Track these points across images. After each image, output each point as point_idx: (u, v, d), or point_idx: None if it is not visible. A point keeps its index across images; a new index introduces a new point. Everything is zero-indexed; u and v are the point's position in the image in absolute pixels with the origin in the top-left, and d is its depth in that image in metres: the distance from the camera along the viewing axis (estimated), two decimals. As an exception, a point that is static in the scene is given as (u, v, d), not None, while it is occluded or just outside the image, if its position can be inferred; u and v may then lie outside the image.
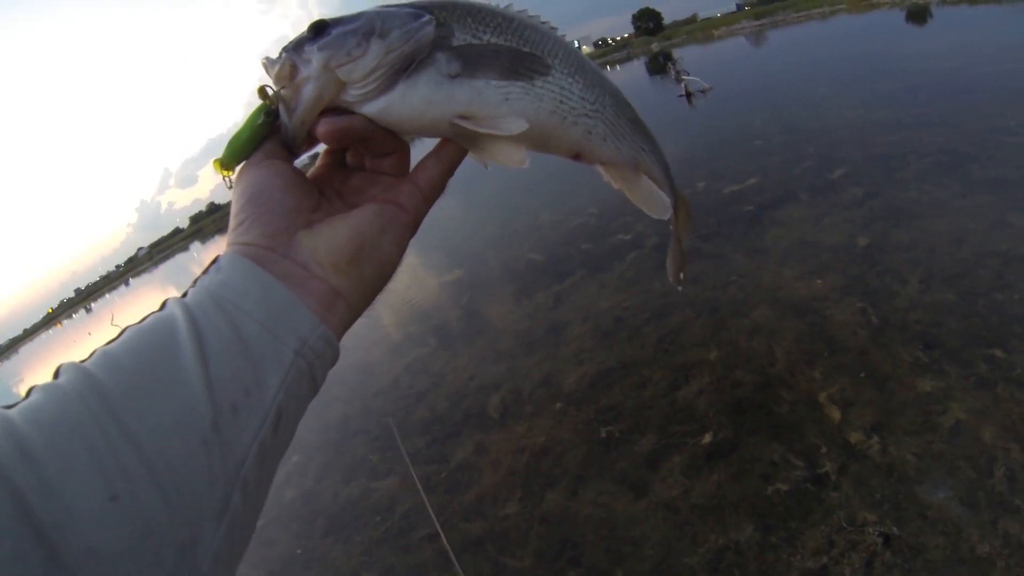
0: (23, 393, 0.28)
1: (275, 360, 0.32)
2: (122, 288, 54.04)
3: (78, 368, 0.29)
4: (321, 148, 0.44)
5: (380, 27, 0.40)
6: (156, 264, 58.62)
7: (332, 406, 4.23)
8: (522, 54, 0.43)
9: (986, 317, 2.92)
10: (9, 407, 0.27)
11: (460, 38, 0.42)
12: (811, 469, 2.36)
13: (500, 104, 0.42)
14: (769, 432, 2.60)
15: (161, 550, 0.25)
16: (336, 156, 0.45)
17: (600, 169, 0.55)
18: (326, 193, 0.42)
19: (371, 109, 0.40)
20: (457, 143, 0.44)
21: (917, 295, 3.24)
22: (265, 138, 0.41)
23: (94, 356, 0.30)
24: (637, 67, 33.94)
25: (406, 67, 0.40)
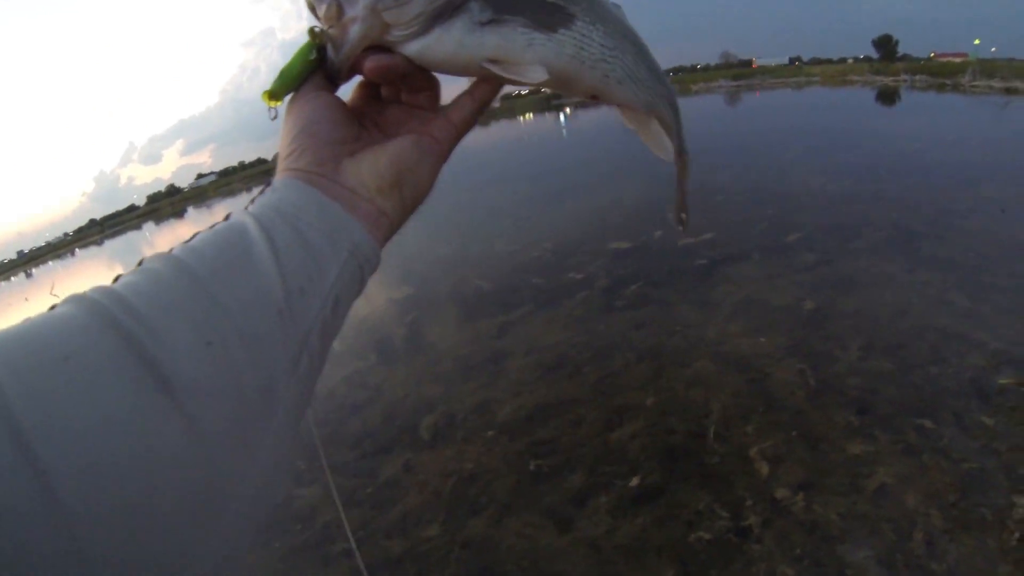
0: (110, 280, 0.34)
1: (333, 257, 0.40)
2: (68, 257, 51.45)
3: (165, 255, 0.35)
4: (358, 79, 0.51)
5: None
6: (107, 238, 56.33)
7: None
8: (546, 4, 0.49)
9: (920, 388, 3.19)
10: (107, 285, 0.33)
11: None
12: (736, 520, 2.51)
13: (525, 50, 0.48)
14: (697, 481, 2.75)
15: (246, 390, 0.32)
16: (372, 88, 0.52)
17: (616, 110, 0.62)
18: (364, 124, 0.49)
19: (411, 49, 0.46)
20: (489, 83, 0.51)
21: (856, 361, 3.49)
22: (312, 72, 0.47)
23: (175, 249, 0.36)
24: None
25: (444, 13, 0.46)
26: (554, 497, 2.85)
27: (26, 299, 20.29)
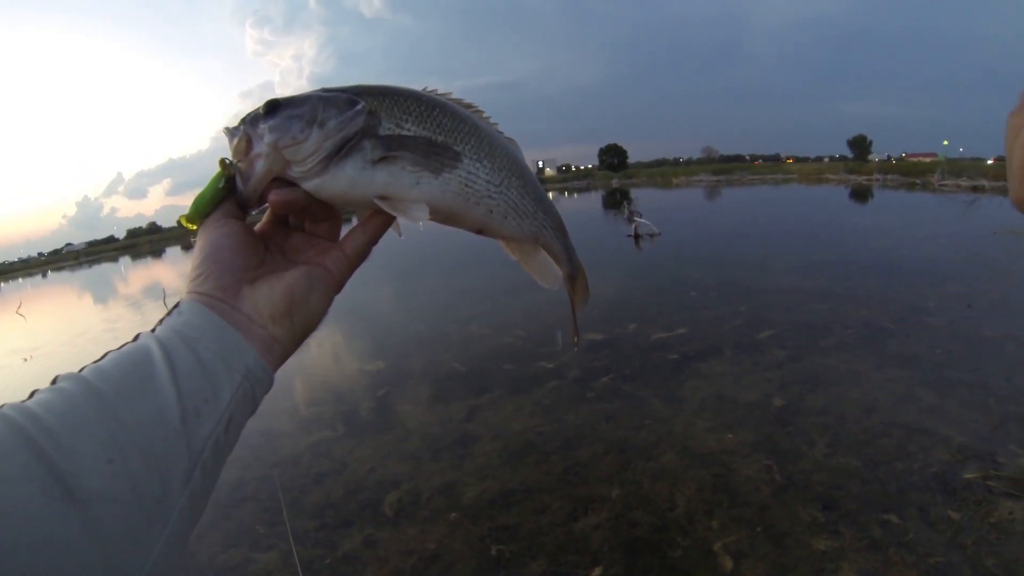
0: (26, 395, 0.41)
1: (227, 381, 0.46)
2: (38, 278, 50.46)
3: (77, 376, 0.41)
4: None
5: (321, 115, 0.53)
6: (81, 265, 55.44)
7: (229, 465, 4.15)
8: (434, 146, 0.55)
9: (886, 484, 3.34)
10: (23, 401, 0.39)
11: (385, 127, 0.54)
12: (698, 616, 2.55)
13: (412, 188, 0.55)
14: (659, 574, 2.82)
15: (143, 499, 0.38)
16: (280, 216, 0.59)
17: (500, 243, 0.66)
18: (270, 248, 0.56)
19: (309, 185, 0.53)
20: (381, 216, 0.57)
21: (823, 458, 3.64)
22: (223, 199, 0.54)
23: (86, 370, 0.42)
24: (594, 199, 36.86)
25: (339, 150, 0.52)
26: (514, 584, 2.91)
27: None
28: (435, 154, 0.55)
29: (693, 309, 7.44)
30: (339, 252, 0.57)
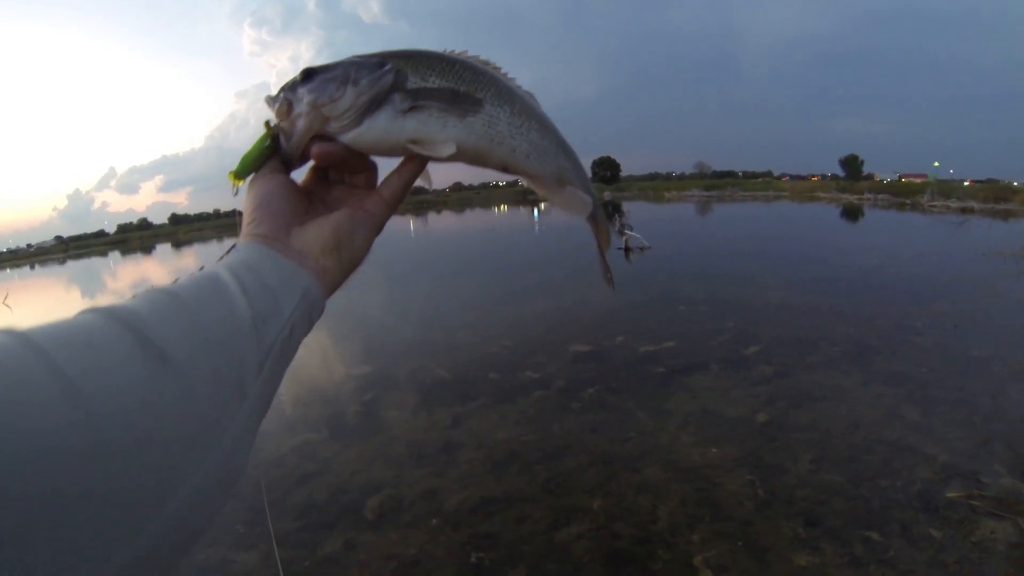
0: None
1: (288, 298, 0.51)
2: (26, 269, 49.98)
3: (152, 289, 0.45)
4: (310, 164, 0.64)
5: (354, 75, 0.59)
6: (70, 258, 55.08)
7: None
8: (457, 94, 0.61)
9: (869, 500, 3.36)
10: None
11: (412, 82, 0.60)
12: (677, 629, 2.54)
13: (440, 131, 0.61)
14: (640, 587, 2.79)
15: (224, 379, 0.42)
16: (321, 171, 0.65)
17: (527, 181, 0.72)
18: (312, 200, 0.62)
19: (346, 138, 0.59)
20: (414, 161, 0.63)
21: (807, 474, 3.65)
22: (268, 157, 0.60)
23: (165, 286, 0.46)
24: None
25: (372, 105, 0.59)
26: (492, 592, 2.89)
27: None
28: (458, 101, 0.61)
29: (681, 323, 7.46)
30: (378, 197, 0.63)
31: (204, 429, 0.39)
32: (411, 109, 0.60)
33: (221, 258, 0.53)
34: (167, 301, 0.43)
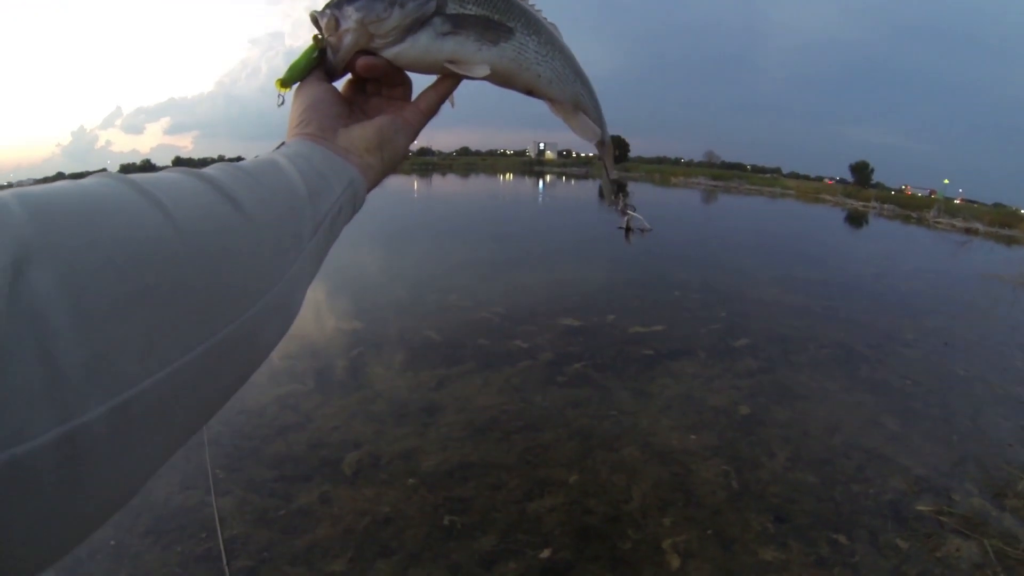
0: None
1: (337, 182, 0.55)
2: None
3: (223, 165, 0.49)
4: (347, 77, 0.69)
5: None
6: None
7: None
8: (491, 22, 0.67)
9: (839, 504, 3.39)
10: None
11: (452, 8, 0.65)
12: (641, 608, 2.58)
13: (475, 54, 0.67)
14: (607, 563, 2.85)
15: (284, 232, 0.46)
16: (359, 84, 0.70)
17: (547, 104, 0.79)
18: (352, 110, 0.67)
19: (389, 54, 0.64)
20: (449, 79, 0.69)
21: (781, 470, 3.68)
22: (314, 68, 0.65)
23: (228, 161, 0.51)
24: (590, 188, 36.54)
25: (415, 26, 0.64)
26: (463, 555, 2.91)
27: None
28: (492, 29, 0.67)
29: (674, 308, 7.48)
30: (415, 107, 0.69)
31: (271, 260, 0.44)
32: (449, 33, 0.65)
33: (274, 150, 0.57)
34: (232, 169, 0.47)
